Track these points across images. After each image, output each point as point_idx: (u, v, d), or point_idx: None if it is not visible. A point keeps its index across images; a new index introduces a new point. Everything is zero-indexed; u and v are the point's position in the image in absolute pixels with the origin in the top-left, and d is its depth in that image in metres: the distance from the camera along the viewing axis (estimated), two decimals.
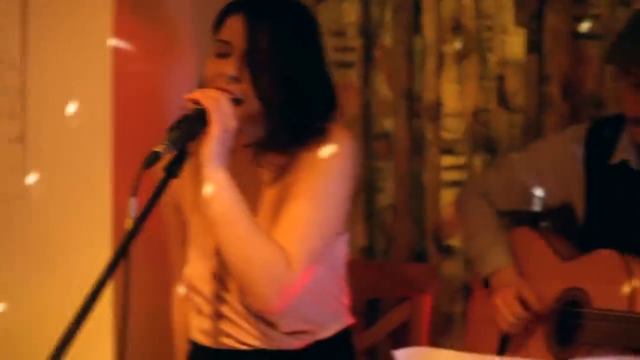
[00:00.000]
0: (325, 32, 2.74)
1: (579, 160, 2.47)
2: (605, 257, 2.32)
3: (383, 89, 3.04)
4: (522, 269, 2.53)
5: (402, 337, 2.84)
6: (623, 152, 2.39)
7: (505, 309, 2.45)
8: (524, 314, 2.43)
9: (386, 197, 3.04)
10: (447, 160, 2.99)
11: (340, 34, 3.06)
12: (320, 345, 2.10)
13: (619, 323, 2.22)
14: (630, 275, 2.24)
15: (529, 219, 2.72)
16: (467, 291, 2.90)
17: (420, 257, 3.03)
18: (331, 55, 3.05)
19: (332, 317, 2.13)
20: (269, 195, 2.05)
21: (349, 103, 3.02)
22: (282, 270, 1.92)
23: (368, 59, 3.05)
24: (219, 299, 2.07)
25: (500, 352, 2.52)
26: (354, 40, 3.05)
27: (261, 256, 1.92)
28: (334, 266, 2.11)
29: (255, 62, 1.97)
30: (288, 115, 1.99)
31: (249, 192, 1.99)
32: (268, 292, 1.93)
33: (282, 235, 1.95)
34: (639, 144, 2.33)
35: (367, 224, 3.05)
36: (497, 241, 2.56)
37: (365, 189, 3.04)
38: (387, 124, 3.03)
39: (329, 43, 3.05)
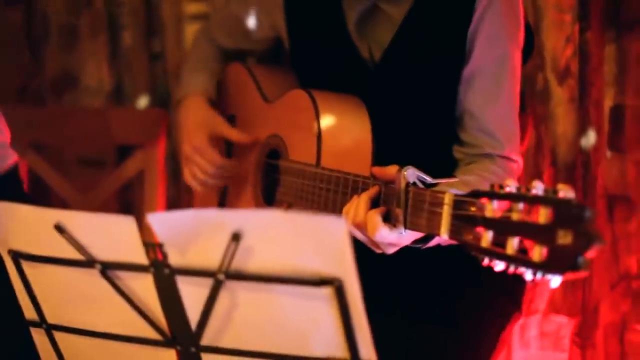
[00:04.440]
0: None
1: None
2: (296, 98, 2.02)
3: None
4: (235, 112, 2.25)
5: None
6: None
7: (200, 159, 2.12)
8: (223, 162, 2.14)
9: (128, 35, 2.76)
10: None
11: None
12: None
13: (307, 180, 1.94)
14: (318, 119, 1.94)
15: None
16: None
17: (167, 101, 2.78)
18: None
19: None
20: None
21: None
22: None
23: None
24: None
25: (221, 204, 2.26)
26: None
27: None
28: None
29: None
30: None
31: None
32: None
33: None
34: None
35: (112, 66, 2.78)
36: (200, 69, 2.27)
37: (107, 27, 2.76)
38: None
39: None
